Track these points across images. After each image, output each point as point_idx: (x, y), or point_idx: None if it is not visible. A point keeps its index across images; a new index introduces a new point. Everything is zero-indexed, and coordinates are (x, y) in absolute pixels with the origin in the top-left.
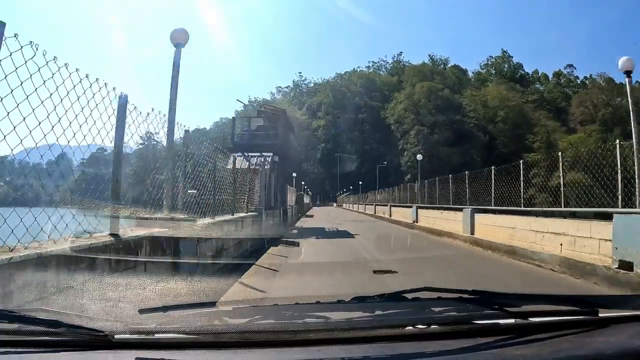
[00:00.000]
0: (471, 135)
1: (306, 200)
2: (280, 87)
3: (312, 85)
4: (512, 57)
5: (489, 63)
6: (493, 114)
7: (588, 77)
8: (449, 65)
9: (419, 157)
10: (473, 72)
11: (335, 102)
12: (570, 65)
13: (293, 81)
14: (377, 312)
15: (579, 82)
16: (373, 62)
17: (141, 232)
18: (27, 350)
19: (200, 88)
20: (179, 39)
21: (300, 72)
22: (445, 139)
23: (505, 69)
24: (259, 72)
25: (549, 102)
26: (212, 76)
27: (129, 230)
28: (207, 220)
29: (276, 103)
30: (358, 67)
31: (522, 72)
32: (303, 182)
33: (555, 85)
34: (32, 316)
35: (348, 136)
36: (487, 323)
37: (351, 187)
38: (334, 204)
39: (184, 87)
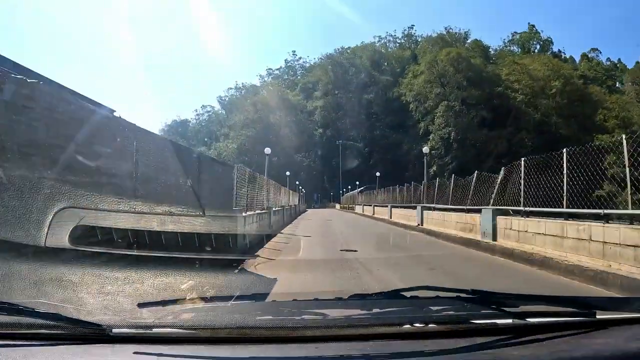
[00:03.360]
0: (517, 113)
1: (295, 200)
2: (271, 69)
3: (307, 65)
4: (540, 32)
5: (514, 39)
6: (542, 85)
7: (617, 61)
8: (470, 39)
9: None
10: (495, 49)
11: (335, 79)
12: (595, 49)
13: (285, 61)
14: (375, 310)
15: (608, 65)
16: (380, 37)
17: None
18: (25, 343)
19: (181, 74)
20: None
21: (294, 51)
22: (482, 119)
23: (533, 45)
24: (246, 52)
25: (593, 80)
26: (195, 60)
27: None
28: None
29: (266, 87)
30: (362, 42)
31: (554, 51)
32: (289, 173)
33: (589, 66)
34: (31, 309)
35: (352, 120)
36: (485, 323)
37: (378, 176)
38: (337, 205)
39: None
